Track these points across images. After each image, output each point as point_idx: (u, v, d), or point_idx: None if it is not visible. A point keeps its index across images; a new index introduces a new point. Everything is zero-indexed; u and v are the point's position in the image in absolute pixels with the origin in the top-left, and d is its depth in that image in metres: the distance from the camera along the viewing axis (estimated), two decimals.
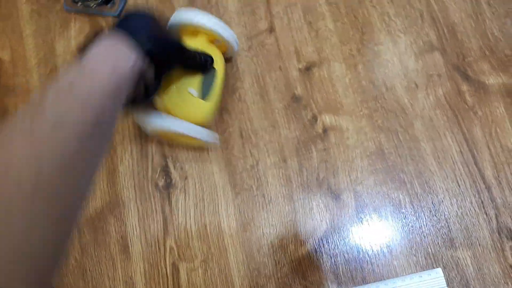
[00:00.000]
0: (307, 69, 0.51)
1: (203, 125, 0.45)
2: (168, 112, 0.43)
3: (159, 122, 0.42)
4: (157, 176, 0.50)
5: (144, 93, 0.37)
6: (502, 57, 0.49)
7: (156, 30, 0.36)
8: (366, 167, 0.48)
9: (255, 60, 0.52)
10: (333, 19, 0.52)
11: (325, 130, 0.49)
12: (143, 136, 0.51)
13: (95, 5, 0.53)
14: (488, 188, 0.46)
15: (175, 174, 0.49)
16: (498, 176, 0.46)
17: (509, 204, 0.45)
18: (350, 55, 0.51)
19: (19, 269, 0.23)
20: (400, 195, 0.47)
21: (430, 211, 0.46)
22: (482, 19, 0.51)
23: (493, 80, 0.49)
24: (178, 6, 0.55)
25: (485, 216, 0.45)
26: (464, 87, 0.49)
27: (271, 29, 0.53)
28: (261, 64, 0.52)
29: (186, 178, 0.49)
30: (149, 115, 0.42)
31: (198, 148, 0.50)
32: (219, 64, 0.46)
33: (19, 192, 0.23)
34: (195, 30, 0.45)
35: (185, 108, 0.43)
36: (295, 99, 0.51)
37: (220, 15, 0.54)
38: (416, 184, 0.47)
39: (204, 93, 0.44)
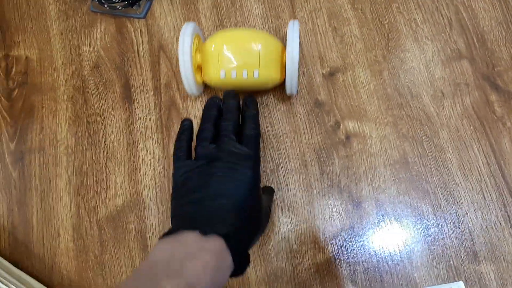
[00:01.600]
0: (331, 74, 0.51)
1: None
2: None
3: None
4: None
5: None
6: None
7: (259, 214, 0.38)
8: (389, 176, 0.48)
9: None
10: (359, 24, 0.52)
11: (347, 137, 0.49)
12: (165, 137, 0.52)
13: (121, 7, 0.54)
14: None
15: None
16: None
17: None
18: (375, 62, 0.51)
19: None
20: (423, 205, 0.46)
21: (454, 223, 0.45)
22: None
23: None
24: (202, 10, 0.55)
25: (511, 230, 0.45)
26: (493, 97, 0.48)
27: None
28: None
29: None
30: None
31: None
32: None
33: None
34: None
35: None
36: (318, 104, 0.51)
37: (244, 19, 0.54)
38: (440, 195, 0.46)
39: None
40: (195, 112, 0.52)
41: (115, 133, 0.53)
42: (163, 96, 0.53)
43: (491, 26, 0.51)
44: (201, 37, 0.51)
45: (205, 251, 0.31)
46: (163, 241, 0.32)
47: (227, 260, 0.32)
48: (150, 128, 0.52)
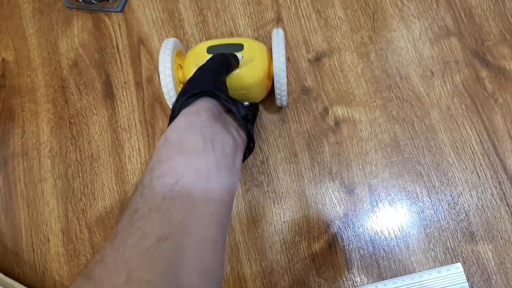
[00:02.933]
0: (317, 59, 0.50)
1: None
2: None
3: None
4: None
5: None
6: None
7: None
8: (380, 160, 0.47)
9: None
10: (343, 6, 0.51)
11: (337, 123, 0.49)
12: (150, 134, 0.51)
13: (97, 1, 0.53)
14: (510, 179, 0.45)
15: None
16: None
17: None
18: (361, 44, 0.50)
19: None
20: (417, 188, 0.46)
21: (449, 204, 0.45)
22: (501, 0, 0.49)
23: None
24: (182, 0, 0.54)
25: (507, 208, 0.44)
26: (484, 73, 0.48)
27: (278, 19, 0.52)
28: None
29: None
30: None
31: None
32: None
33: None
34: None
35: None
36: (305, 91, 0.50)
37: (225, 7, 0.53)
38: (434, 176, 0.46)
39: None
40: None
41: (98, 133, 0.52)
42: (146, 92, 0.52)
43: (478, 0, 0.49)
44: (183, 52, 0.48)
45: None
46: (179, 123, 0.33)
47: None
48: (134, 125, 0.51)
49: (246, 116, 0.35)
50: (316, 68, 0.50)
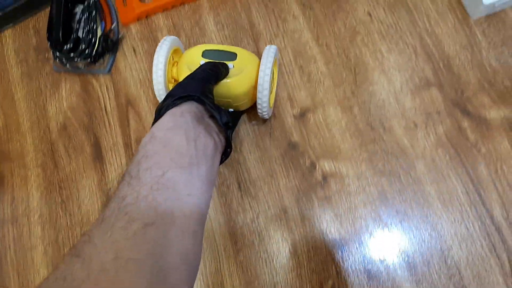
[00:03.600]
0: (302, 115, 0.51)
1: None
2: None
3: None
4: None
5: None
6: (502, 88, 0.49)
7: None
8: (370, 214, 0.47)
9: (249, 108, 0.52)
10: (325, 61, 0.52)
11: (324, 177, 0.49)
12: None
13: (83, 66, 0.54)
14: (498, 230, 0.45)
15: None
16: (508, 216, 0.45)
17: None
18: (344, 98, 0.51)
19: None
20: (407, 243, 0.46)
21: (440, 258, 0.45)
22: (478, 50, 0.51)
23: (494, 113, 0.49)
24: None
25: (497, 260, 0.45)
26: (465, 123, 0.49)
27: None
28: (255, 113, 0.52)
29: None
30: None
31: None
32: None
33: None
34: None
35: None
36: (292, 146, 0.51)
37: None
38: (423, 230, 0.46)
39: None
40: None
41: (88, 197, 0.52)
42: (135, 153, 0.52)
43: (456, 51, 0.51)
44: (182, 50, 0.51)
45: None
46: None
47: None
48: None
49: (227, 123, 0.38)
50: (301, 124, 0.51)
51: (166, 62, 0.46)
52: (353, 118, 0.50)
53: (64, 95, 0.56)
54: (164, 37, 0.47)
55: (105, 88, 0.56)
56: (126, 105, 0.54)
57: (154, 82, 0.46)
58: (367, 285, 0.46)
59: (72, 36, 0.50)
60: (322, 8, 0.54)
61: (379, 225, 0.47)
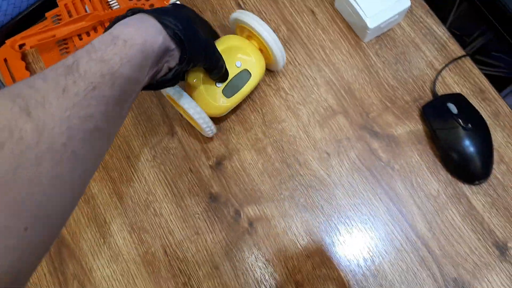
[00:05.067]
0: (218, 164, 0.51)
1: (211, 115, 0.47)
2: (188, 87, 0.46)
3: (175, 94, 0.44)
4: None
5: (165, 77, 0.38)
6: (403, 104, 0.51)
7: (190, 20, 0.38)
8: (301, 253, 0.47)
9: (163, 168, 0.52)
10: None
11: (251, 223, 0.49)
12: (61, 281, 0.48)
13: None
14: (424, 243, 0.47)
15: None
16: (431, 227, 0.47)
17: (448, 253, 0.46)
18: (257, 140, 0.52)
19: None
20: (341, 273, 0.46)
21: (374, 278, 0.46)
22: (374, 71, 0.53)
23: (400, 130, 0.51)
24: None
25: (428, 272, 0.46)
26: (375, 144, 0.50)
27: (173, 132, 0.53)
28: (170, 171, 0.51)
29: None
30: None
31: (123, 276, 0.48)
32: (257, 70, 0.48)
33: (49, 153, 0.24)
34: (250, 34, 0.49)
35: (203, 94, 0.46)
36: (213, 198, 0.50)
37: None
38: (354, 254, 0.47)
39: (230, 91, 0.47)
40: (88, 246, 0.49)
41: None
42: None
43: (354, 75, 0.53)
44: None
45: (145, 18, 0.34)
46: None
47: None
48: (44, 276, 0.49)
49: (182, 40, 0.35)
50: (219, 173, 0.51)
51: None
52: (268, 158, 0.51)
53: None
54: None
55: None
56: None
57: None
58: None
59: None
60: None
61: (311, 262, 0.47)
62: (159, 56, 0.34)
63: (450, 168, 0.49)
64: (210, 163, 0.52)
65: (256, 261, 0.48)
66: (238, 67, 0.47)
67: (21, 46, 0.51)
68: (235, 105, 0.48)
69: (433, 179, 0.49)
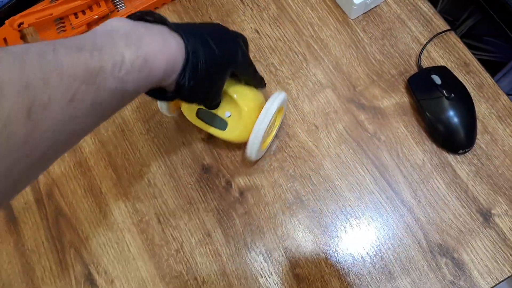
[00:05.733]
0: (210, 137, 0.53)
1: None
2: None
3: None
4: (82, 287, 0.49)
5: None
6: (389, 78, 0.53)
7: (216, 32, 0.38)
8: (289, 219, 0.49)
9: (156, 141, 0.54)
10: None
11: (241, 193, 0.51)
12: (59, 249, 0.50)
13: None
14: (410, 210, 0.48)
15: (100, 280, 0.49)
16: (416, 195, 0.48)
17: (433, 220, 0.47)
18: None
19: None
20: (328, 239, 0.48)
21: (363, 247, 0.47)
22: (362, 46, 0.55)
23: (387, 102, 0.52)
24: None
25: (414, 238, 0.47)
26: (362, 116, 0.52)
27: None
28: (164, 144, 0.53)
29: (112, 281, 0.49)
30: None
31: (118, 244, 0.50)
32: (235, 131, 0.46)
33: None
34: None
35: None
36: (205, 169, 0.52)
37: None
38: (341, 223, 0.48)
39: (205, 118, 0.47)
40: (84, 215, 0.51)
41: (7, 261, 0.51)
42: (48, 207, 0.52)
43: (341, 51, 0.55)
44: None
45: (168, 35, 0.32)
46: (125, 19, 0.32)
47: (181, 53, 0.33)
48: (41, 244, 0.51)
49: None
50: (211, 146, 0.53)
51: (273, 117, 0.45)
52: None
53: None
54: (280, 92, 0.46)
55: None
56: None
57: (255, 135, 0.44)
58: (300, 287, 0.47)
59: None
60: None
61: (298, 228, 0.49)
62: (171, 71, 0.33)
63: (435, 138, 0.50)
64: (202, 137, 0.53)
65: (246, 229, 0.49)
66: (226, 116, 0.46)
67: (19, 24, 0.54)
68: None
69: (418, 149, 0.50)
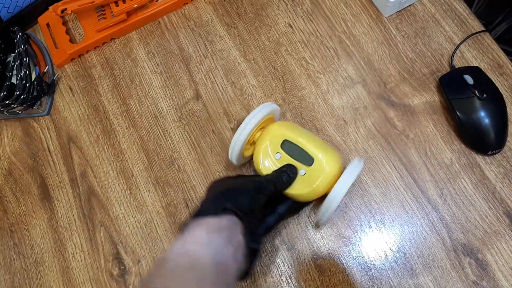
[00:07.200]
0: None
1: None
2: None
3: None
4: (110, 265, 0.51)
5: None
6: (421, 76, 0.54)
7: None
8: (313, 211, 0.50)
9: (187, 128, 0.56)
10: (254, 74, 0.56)
11: None
12: (90, 228, 0.53)
13: (21, 111, 0.56)
14: (435, 208, 0.49)
15: (127, 260, 0.51)
16: (442, 194, 0.49)
17: (458, 220, 0.48)
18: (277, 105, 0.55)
19: None
20: (351, 233, 0.49)
21: (386, 243, 0.48)
22: (394, 44, 0.55)
23: (417, 100, 0.53)
24: (104, 93, 0.58)
25: (437, 236, 0.48)
26: (391, 113, 0.53)
27: (198, 96, 0.57)
28: (194, 131, 0.55)
29: (139, 261, 0.51)
30: None
31: (146, 225, 0.52)
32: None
33: None
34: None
35: None
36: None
37: (146, 93, 0.58)
38: (366, 219, 0.49)
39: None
40: (115, 196, 0.54)
41: (40, 236, 0.54)
42: (81, 187, 0.55)
43: (374, 47, 0.56)
44: (275, 118, 0.51)
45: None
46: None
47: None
48: (74, 222, 0.54)
49: (256, 250, 0.39)
50: None
51: (255, 126, 0.46)
52: None
53: (6, 141, 0.58)
54: (264, 104, 0.47)
55: (46, 129, 0.58)
56: (68, 142, 0.57)
57: (235, 141, 0.45)
58: (319, 280, 0.48)
59: (5, 84, 0.53)
60: (246, 25, 0.59)
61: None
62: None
63: (464, 138, 0.51)
64: (232, 126, 0.55)
65: None
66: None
67: (63, 10, 0.56)
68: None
69: (446, 149, 0.51)
